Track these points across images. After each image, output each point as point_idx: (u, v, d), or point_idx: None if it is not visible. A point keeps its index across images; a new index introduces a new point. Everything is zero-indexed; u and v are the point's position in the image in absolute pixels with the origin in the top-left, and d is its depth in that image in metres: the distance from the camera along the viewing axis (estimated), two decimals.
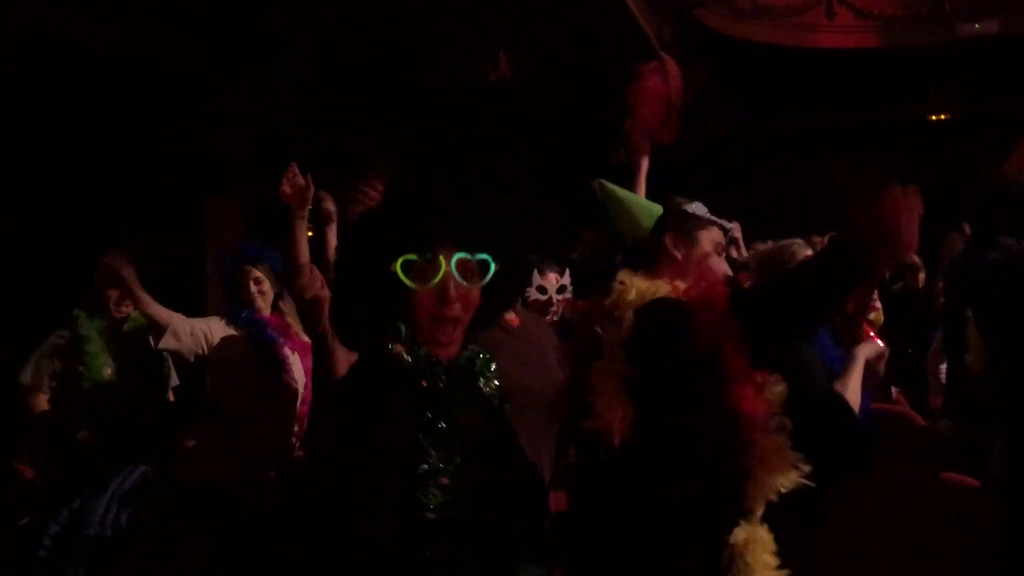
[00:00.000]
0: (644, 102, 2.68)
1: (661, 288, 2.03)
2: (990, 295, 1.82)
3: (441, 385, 1.62)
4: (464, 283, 1.65)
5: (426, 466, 1.54)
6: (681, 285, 2.04)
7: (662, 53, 2.72)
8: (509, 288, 1.86)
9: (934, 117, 11.51)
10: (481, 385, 1.74)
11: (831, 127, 11.34)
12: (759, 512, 1.94)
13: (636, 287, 2.05)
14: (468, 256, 1.66)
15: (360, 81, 7.48)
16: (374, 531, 1.50)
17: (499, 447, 1.73)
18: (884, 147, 11.80)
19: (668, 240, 2.15)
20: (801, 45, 9.45)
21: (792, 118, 11.12)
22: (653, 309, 1.94)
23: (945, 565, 2.65)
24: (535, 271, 3.66)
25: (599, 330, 2.06)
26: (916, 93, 10.92)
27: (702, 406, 1.84)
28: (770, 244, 3.48)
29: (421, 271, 1.63)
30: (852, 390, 2.45)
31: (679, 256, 2.14)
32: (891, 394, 5.55)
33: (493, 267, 1.69)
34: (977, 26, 9.39)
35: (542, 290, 3.61)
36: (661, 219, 2.20)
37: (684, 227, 2.17)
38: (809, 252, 3.28)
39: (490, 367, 1.78)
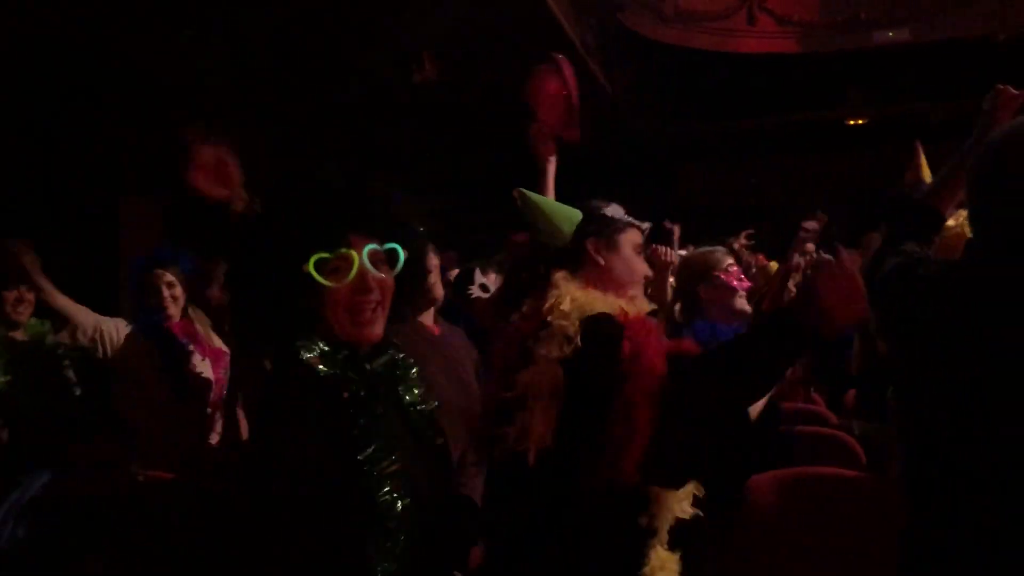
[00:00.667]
0: (543, 104, 2.68)
1: (597, 301, 2.04)
2: (885, 299, 1.87)
3: (362, 393, 1.59)
4: (378, 273, 1.64)
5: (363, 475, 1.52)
6: (618, 301, 2.05)
7: (555, 54, 2.70)
8: (415, 277, 1.85)
9: (851, 121, 11.83)
10: (401, 392, 1.72)
11: (752, 130, 11.56)
12: (664, 534, 1.97)
13: (571, 295, 2.06)
14: (378, 246, 1.65)
15: (283, 81, 7.38)
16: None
17: (425, 457, 1.72)
18: (804, 150, 12.10)
19: (590, 246, 2.16)
20: (723, 49, 9.62)
21: (714, 121, 11.31)
22: (597, 328, 1.95)
23: (856, 563, 2.70)
24: (477, 270, 3.65)
25: (531, 337, 2.06)
26: (834, 98, 11.20)
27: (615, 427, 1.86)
28: (694, 250, 3.50)
29: (335, 268, 1.60)
30: None
31: (602, 262, 2.16)
32: (810, 395, 5.64)
33: (403, 255, 1.68)
34: (891, 34, 9.68)
35: (484, 288, 3.60)
36: (582, 225, 2.21)
37: (604, 232, 2.19)
38: (731, 260, 3.33)
39: (410, 372, 1.76)
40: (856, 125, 11.91)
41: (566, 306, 2.03)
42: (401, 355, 1.76)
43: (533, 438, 1.98)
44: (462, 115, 8.10)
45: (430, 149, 8.84)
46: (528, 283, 2.21)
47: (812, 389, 5.53)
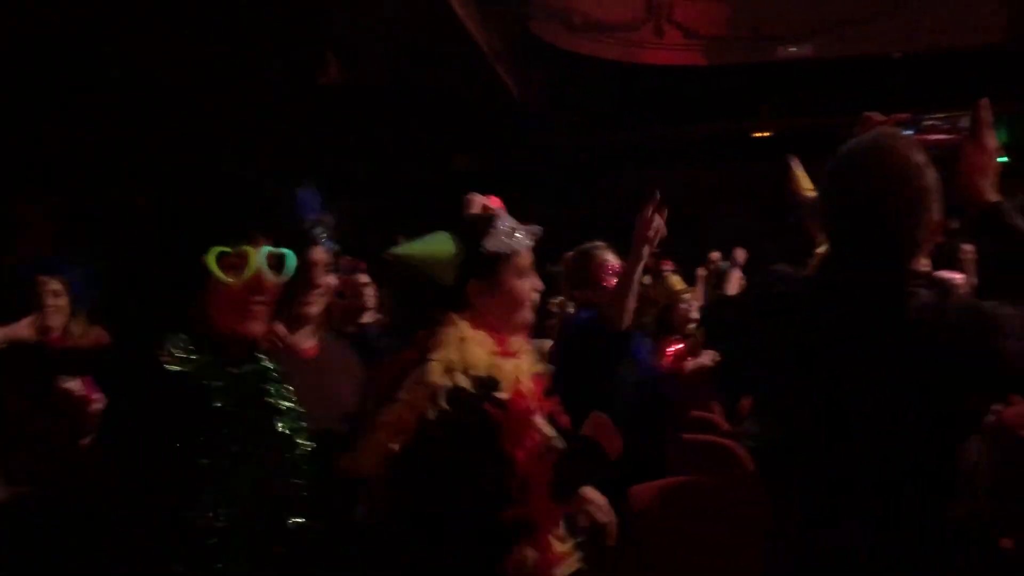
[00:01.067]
0: None
1: (480, 352, 2.01)
2: (746, 316, 1.92)
3: (222, 401, 1.56)
4: (272, 276, 1.65)
5: (200, 481, 1.48)
6: (500, 361, 2.03)
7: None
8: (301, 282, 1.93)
9: (757, 134, 12.11)
10: (269, 401, 1.70)
11: (659, 141, 11.74)
12: None
13: (458, 335, 2.03)
14: (274, 249, 1.65)
15: (187, 81, 7.21)
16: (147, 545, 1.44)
17: (283, 466, 1.69)
18: (711, 161, 12.34)
19: (472, 290, 2.11)
20: (630, 61, 9.75)
21: (622, 131, 11.45)
22: (464, 420, 1.93)
23: (734, 570, 2.75)
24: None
25: (405, 374, 2.04)
26: (740, 110, 11.46)
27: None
28: (576, 250, 3.55)
29: (231, 264, 1.60)
30: None
31: (485, 304, 2.11)
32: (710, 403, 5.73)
33: (294, 261, 1.69)
34: (793, 49, 9.96)
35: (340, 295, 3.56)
36: (463, 266, 2.14)
37: (487, 272, 2.13)
38: (608, 257, 3.39)
39: (280, 381, 1.75)
40: (762, 137, 12.20)
41: (448, 351, 2.00)
42: (271, 365, 1.74)
43: (363, 468, 1.98)
44: (366, 118, 8.04)
45: (333, 152, 8.75)
46: (415, 319, 2.19)
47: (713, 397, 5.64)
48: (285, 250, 1.67)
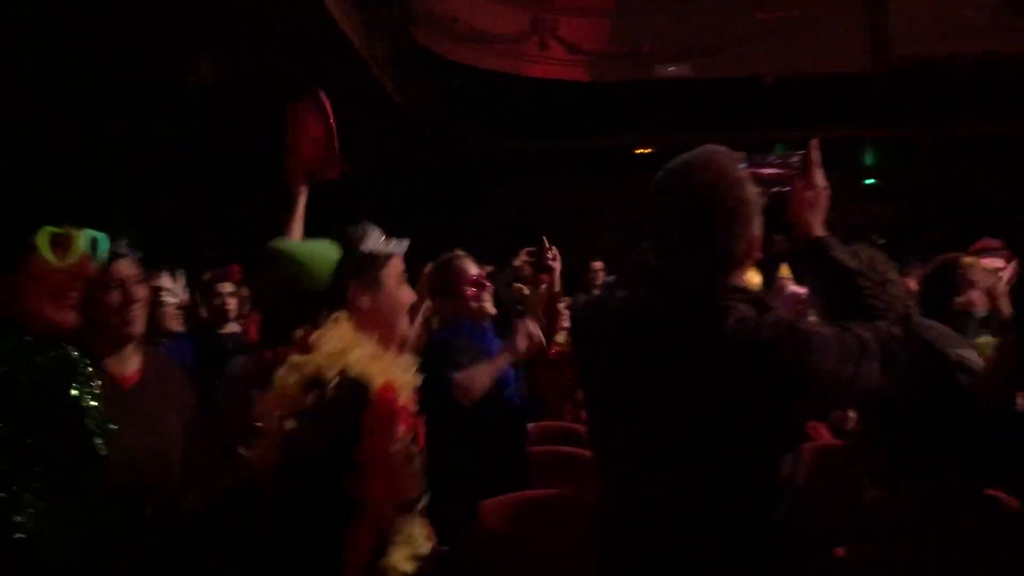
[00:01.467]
0: (301, 141, 2.64)
1: (359, 350, 2.00)
2: (579, 330, 1.98)
3: (27, 393, 1.47)
4: (93, 261, 1.59)
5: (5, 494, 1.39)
6: (381, 355, 2.04)
7: (313, 87, 2.67)
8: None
9: (639, 151, 12.35)
10: (74, 392, 1.61)
11: (543, 154, 11.85)
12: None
13: (339, 330, 2.02)
14: (93, 232, 1.59)
15: (54, 79, 6.88)
16: None
17: (85, 467, 1.61)
18: (593, 175, 12.53)
19: (352, 291, 2.11)
20: (513, 72, 9.81)
21: (505, 142, 11.50)
22: (341, 401, 1.92)
23: None
24: (165, 274, 3.57)
25: (280, 363, 2.00)
26: (622, 127, 11.67)
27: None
28: (438, 259, 3.57)
29: (56, 244, 1.52)
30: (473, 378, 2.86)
31: (366, 306, 2.11)
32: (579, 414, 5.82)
33: (107, 247, 1.64)
34: (672, 68, 10.22)
35: (171, 293, 3.53)
36: (342, 266, 2.14)
37: (366, 273, 2.13)
38: (469, 269, 3.43)
39: (85, 370, 1.66)
40: (644, 154, 12.44)
41: (329, 344, 1.98)
42: (75, 352, 1.65)
43: (258, 465, 1.94)
44: (240, 123, 7.85)
45: (207, 154, 8.51)
46: (290, 322, 2.15)
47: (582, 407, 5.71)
48: (99, 234, 1.61)
